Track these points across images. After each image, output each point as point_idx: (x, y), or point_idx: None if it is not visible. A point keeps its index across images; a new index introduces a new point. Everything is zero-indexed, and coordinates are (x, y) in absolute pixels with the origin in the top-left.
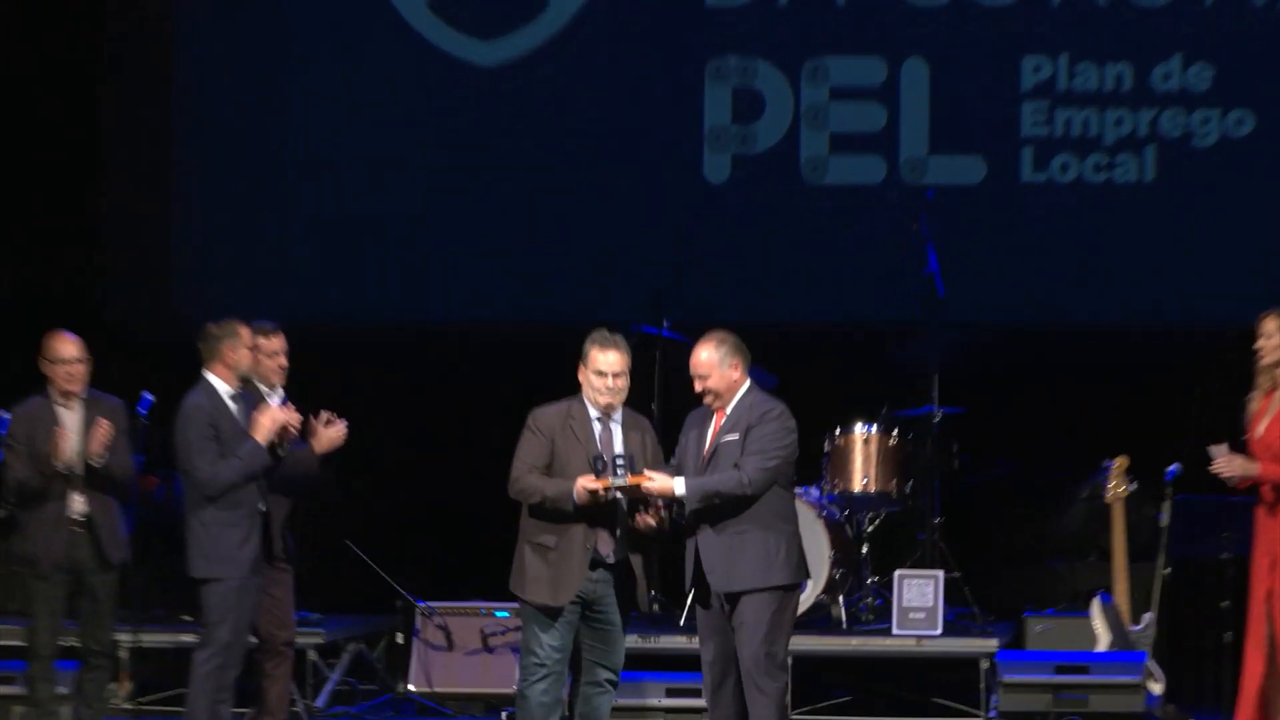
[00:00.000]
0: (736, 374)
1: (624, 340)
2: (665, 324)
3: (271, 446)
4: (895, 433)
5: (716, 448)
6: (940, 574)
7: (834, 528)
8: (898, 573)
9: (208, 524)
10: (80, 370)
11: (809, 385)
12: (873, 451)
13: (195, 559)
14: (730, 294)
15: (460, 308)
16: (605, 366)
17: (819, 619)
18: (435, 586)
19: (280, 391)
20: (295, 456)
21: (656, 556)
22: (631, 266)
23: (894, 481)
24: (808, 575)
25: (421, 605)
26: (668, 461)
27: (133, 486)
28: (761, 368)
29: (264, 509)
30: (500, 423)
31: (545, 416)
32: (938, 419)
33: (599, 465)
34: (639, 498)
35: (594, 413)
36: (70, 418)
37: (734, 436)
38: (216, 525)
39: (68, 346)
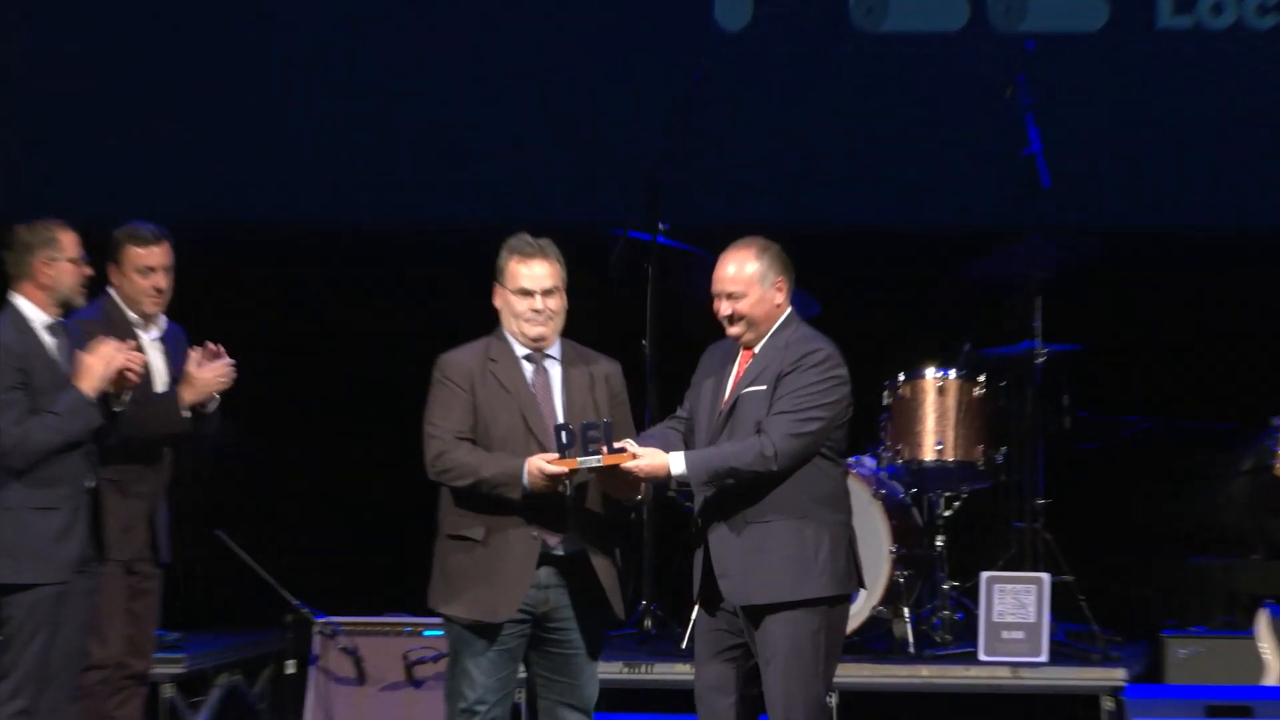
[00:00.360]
0: (780, 298)
1: (554, 247)
2: (661, 227)
3: (105, 398)
4: (982, 379)
5: (736, 401)
6: (1045, 577)
7: (896, 512)
8: (985, 575)
9: (14, 509)
10: None
11: (861, 314)
12: (950, 406)
13: None
14: (751, 186)
15: (379, 204)
16: (531, 282)
17: (876, 639)
18: (341, 594)
19: (162, 323)
20: (153, 407)
21: (632, 545)
22: (616, 147)
23: (980, 447)
24: (860, 583)
25: (321, 620)
26: (661, 418)
27: None
28: (800, 289)
29: (92, 485)
30: (434, 360)
31: (457, 363)
32: (1041, 359)
33: (565, 438)
34: (620, 480)
35: (520, 349)
36: None
37: (760, 387)
38: (26, 510)
39: None
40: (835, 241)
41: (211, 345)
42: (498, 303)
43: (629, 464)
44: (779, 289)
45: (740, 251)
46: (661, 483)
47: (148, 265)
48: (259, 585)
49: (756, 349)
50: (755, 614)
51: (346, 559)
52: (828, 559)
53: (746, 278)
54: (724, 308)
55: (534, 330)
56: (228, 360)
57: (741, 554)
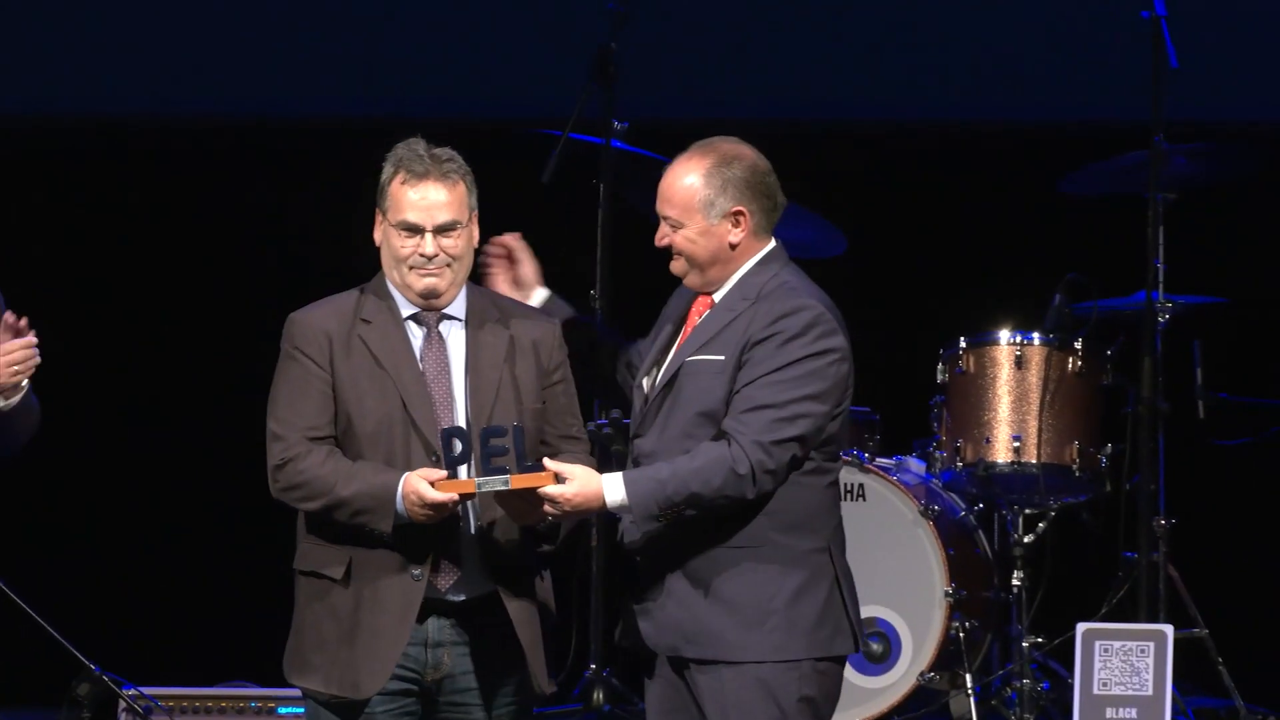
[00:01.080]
0: (738, 235)
1: (459, 162)
2: (618, 126)
3: None
4: (1079, 346)
5: (677, 373)
6: (1168, 630)
7: (954, 538)
8: (1083, 628)
9: None
10: None
11: (905, 252)
12: (1033, 384)
13: None
14: (747, 70)
15: (247, 93)
16: (419, 215)
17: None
18: (161, 654)
19: None
20: None
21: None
22: (553, 10)
23: (1075, 444)
24: (853, 644)
25: (130, 692)
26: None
27: None
28: (819, 216)
29: None
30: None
31: (312, 326)
32: (1165, 319)
33: (456, 451)
34: (531, 506)
35: (405, 308)
36: None
37: (715, 356)
38: None
39: None
40: (867, 146)
41: (10, 317)
42: (378, 238)
43: (550, 490)
44: (736, 223)
45: (686, 161)
46: (596, 515)
47: None
48: (39, 640)
49: (717, 296)
50: (693, 672)
51: (170, 605)
52: (787, 607)
53: (683, 199)
54: (659, 234)
55: (422, 283)
56: (31, 339)
57: (670, 587)
